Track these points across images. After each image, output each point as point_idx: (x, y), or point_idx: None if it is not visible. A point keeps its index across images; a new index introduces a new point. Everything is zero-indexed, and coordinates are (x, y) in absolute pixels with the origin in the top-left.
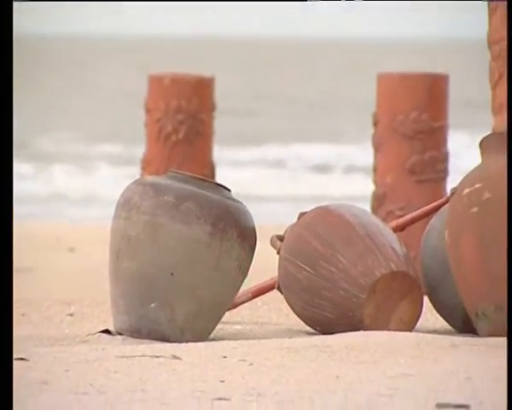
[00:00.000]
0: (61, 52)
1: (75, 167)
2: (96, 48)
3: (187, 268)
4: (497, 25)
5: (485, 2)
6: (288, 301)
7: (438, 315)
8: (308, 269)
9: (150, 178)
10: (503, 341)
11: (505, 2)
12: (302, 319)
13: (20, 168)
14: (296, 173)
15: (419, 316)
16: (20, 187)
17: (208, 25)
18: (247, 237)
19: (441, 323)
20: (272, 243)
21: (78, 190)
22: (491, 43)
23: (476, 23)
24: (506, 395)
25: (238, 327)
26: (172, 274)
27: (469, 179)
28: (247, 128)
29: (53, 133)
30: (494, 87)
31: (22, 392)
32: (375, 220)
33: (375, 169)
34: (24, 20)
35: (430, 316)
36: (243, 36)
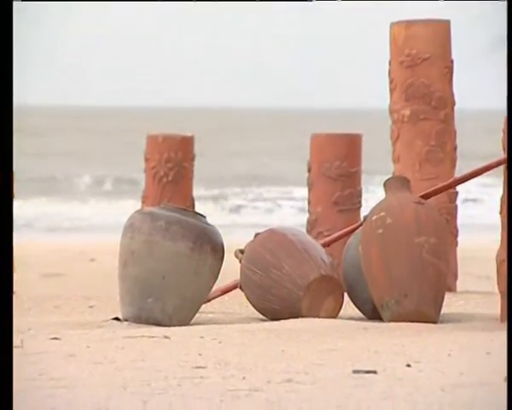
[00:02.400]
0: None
1: (96, 201)
2: (105, 116)
3: (174, 273)
4: (395, 98)
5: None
6: (246, 297)
7: (354, 306)
8: (261, 273)
9: (148, 209)
10: (401, 325)
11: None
12: (257, 310)
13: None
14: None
15: (341, 307)
16: (60, 216)
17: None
18: (217, 250)
19: (356, 312)
20: (236, 255)
21: (99, 216)
22: (391, 111)
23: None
24: (506, 397)
25: (211, 315)
26: (164, 278)
27: (376, 209)
28: (217, 173)
29: (78, 175)
30: (394, 144)
31: (55, 362)
32: (310, 238)
33: (309, 202)
34: (35, 92)
35: (348, 307)
36: (219, 106)
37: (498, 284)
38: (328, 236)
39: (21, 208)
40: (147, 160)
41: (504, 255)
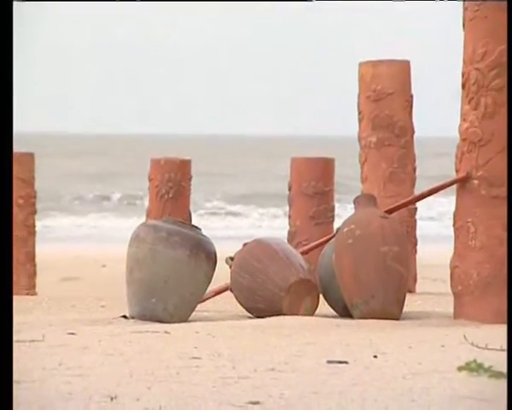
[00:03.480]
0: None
1: (107, 215)
2: (107, 143)
3: (174, 277)
4: (363, 127)
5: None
6: (236, 297)
7: (328, 306)
8: (248, 277)
9: (151, 222)
10: (368, 322)
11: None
12: (245, 309)
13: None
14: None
15: (317, 306)
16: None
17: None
18: (211, 258)
19: (330, 311)
20: (226, 262)
21: (109, 228)
22: (360, 138)
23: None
24: (507, 397)
25: (206, 313)
26: (165, 281)
27: (347, 222)
28: (209, 192)
29: (91, 193)
30: (362, 166)
31: (72, 353)
32: (290, 247)
33: (289, 216)
34: (49, 119)
35: (323, 306)
36: (212, 134)
37: (451, 286)
38: (306, 245)
39: (42, 222)
40: (150, 179)
41: (456, 262)
